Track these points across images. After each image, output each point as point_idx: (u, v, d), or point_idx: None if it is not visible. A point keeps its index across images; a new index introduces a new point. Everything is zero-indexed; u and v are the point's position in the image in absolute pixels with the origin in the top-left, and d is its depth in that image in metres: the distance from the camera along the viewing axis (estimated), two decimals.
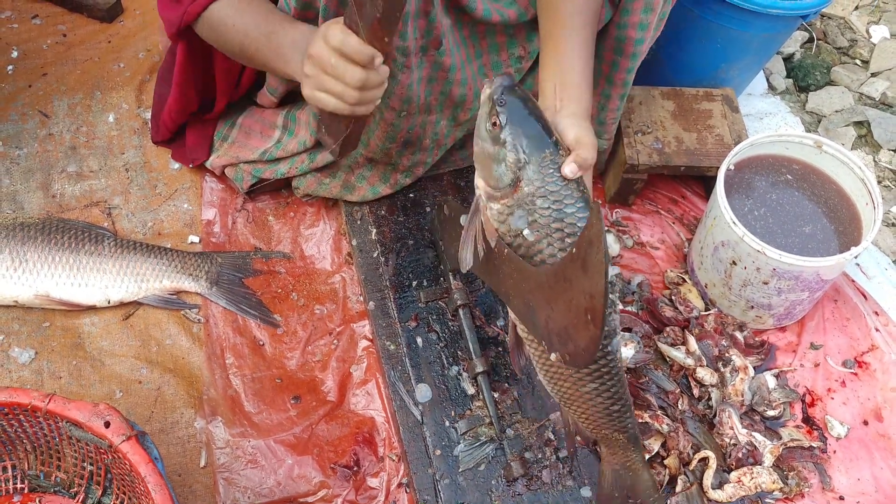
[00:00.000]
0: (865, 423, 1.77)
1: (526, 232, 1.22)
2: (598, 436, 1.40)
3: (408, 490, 1.62)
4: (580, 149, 1.26)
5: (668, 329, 1.82)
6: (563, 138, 1.27)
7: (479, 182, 1.26)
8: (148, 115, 2.08)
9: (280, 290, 1.86)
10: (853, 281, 1.96)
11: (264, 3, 1.55)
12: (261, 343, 1.79)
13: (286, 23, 1.49)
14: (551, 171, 1.22)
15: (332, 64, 1.26)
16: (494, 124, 1.22)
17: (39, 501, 1.49)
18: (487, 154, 1.23)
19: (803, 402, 1.79)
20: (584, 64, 1.44)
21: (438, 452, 1.56)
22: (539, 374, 1.37)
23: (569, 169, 1.22)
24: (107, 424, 1.30)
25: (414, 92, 1.62)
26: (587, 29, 1.47)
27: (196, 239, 1.92)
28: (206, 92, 1.86)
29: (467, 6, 1.59)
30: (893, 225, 2.16)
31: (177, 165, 2.02)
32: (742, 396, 1.74)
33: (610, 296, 1.08)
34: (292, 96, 1.83)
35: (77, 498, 1.48)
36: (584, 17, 1.46)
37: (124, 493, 1.45)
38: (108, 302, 1.78)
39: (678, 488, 1.61)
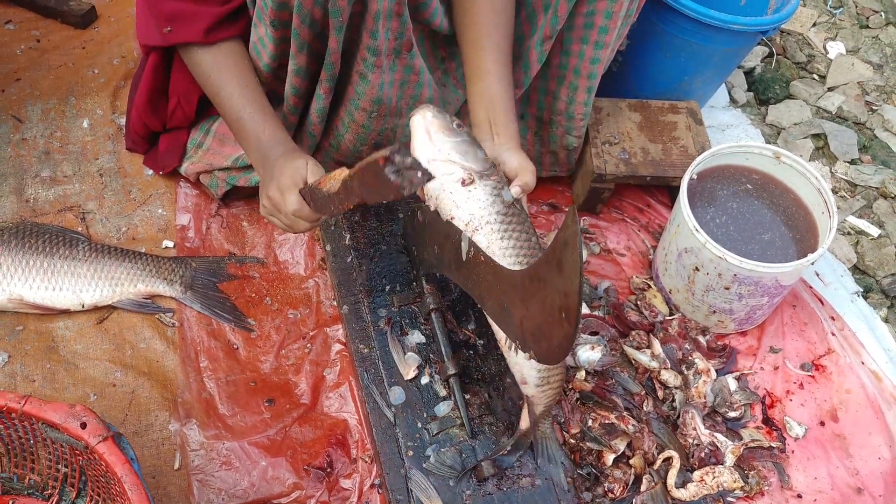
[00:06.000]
0: (822, 423, 1.84)
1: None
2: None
3: (380, 491, 1.64)
4: (524, 174, 1.48)
5: (633, 333, 1.88)
6: (506, 166, 1.51)
7: (468, 167, 1.44)
8: (122, 121, 2.09)
9: (254, 295, 1.88)
10: (811, 287, 2.03)
11: (240, 67, 1.64)
12: (235, 347, 1.81)
13: (256, 114, 1.61)
14: None
15: (286, 217, 1.52)
16: (459, 126, 1.47)
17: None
18: (470, 144, 1.46)
19: (763, 403, 1.85)
20: (508, 88, 1.60)
21: (411, 453, 1.59)
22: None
23: (514, 191, 1.45)
24: (83, 426, 1.31)
25: (385, 93, 1.65)
26: (506, 42, 1.61)
27: (170, 244, 1.93)
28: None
29: (428, 19, 1.64)
30: (849, 233, 2.24)
31: (151, 171, 2.03)
32: (704, 398, 1.80)
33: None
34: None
35: (51, 500, 1.48)
36: (502, 31, 1.61)
37: (99, 495, 1.45)
38: (83, 306, 1.78)
39: (643, 487, 1.66)
